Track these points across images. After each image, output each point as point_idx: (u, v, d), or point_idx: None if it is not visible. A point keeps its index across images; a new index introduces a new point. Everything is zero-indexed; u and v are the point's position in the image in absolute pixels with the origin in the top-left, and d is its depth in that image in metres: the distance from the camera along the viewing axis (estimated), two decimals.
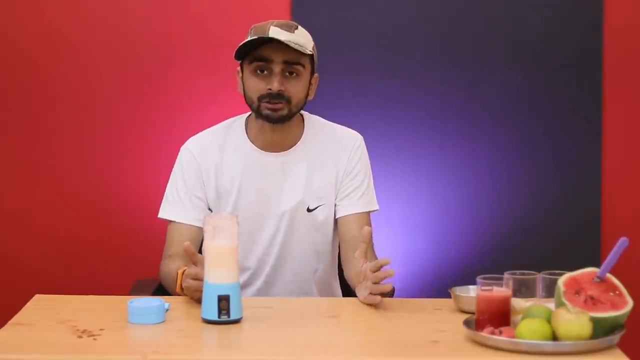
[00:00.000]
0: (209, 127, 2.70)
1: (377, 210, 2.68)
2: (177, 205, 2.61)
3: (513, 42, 3.58)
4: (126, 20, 3.55)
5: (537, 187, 3.61)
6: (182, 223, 2.60)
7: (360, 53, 3.57)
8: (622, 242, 2.02)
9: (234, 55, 2.53)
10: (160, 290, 2.66)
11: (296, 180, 2.61)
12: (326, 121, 2.70)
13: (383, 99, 3.57)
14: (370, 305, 2.32)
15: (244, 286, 2.64)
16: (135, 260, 3.52)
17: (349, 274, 2.59)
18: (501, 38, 3.58)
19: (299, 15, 3.40)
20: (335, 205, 2.65)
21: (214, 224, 2.14)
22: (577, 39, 3.58)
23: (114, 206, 3.58)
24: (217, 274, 2.13)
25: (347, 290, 2.71)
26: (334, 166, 2.64)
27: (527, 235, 3.61)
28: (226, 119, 2.70)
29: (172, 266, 2.47)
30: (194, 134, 2.72)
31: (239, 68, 2.59)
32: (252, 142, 2.62)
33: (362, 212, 2.64)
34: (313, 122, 2.67)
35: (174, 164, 2.67)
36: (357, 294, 2.38)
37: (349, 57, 3.56)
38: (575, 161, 3.60)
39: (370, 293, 2.27)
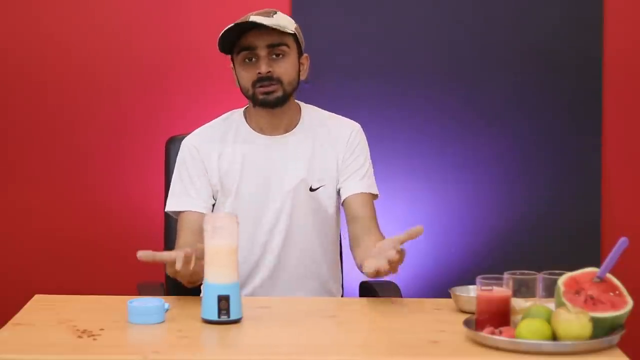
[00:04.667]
0: None
1: (378, 195, 2.71)
2: (182, 196, 2.64)
3: (513, 42, 3.58)
4: (128, 22, 3.55)
5: (537, 187, 3.61)
6: (189, 211, 2.62)
7: (360, 53, 3.57)
8: (622, 242, 2.02)
9: (217, 46, 2.60)
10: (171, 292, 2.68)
11: (298, 160, 2.65)
12: (322, 110, 2.75)
13: (382, 100, 3.57)
14: (370, 305, 2.33)
15: (251, 272, 2.65)
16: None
17: (359, 254, 2.57)
18: (501, 38, 3.58)
19: (299, 16, 3.39)
20: (339, 190, 2.68)
21: (214, 223, 2.15)
22: (577, 39, 3.58)
23: (117, 207, 3.57)
24: (217, 274, 2.13)
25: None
26: (333, 150, 2.68)
27: (527, 236, 3.61)
28: None
29: None
30: None
31: (231, 65, 2.66)
32: (253, 128, 2.67)
33: (365, 193, 2.67)
34: (309, 109, 2.73)
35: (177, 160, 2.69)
36: (366, 265, 2.27)
37: (349, 57, 3.56)
38: (575, 161, 3.60)
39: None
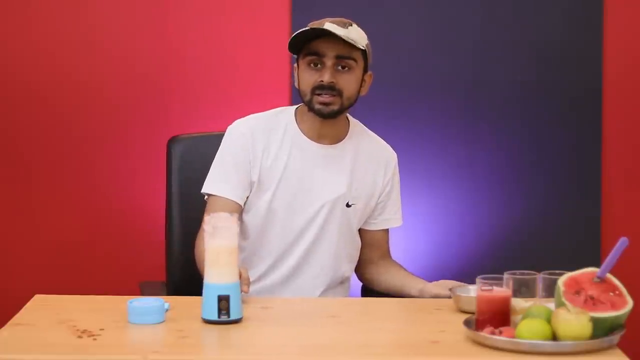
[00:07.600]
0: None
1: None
2: (221, 181, 2.60)
3: (513, 42, 3.58)
4: (130, 23, 3.55)
5: (537, 187, 3.61)
6: (223, 197, 2.59)
7: None
8: (622, 242, 2.02)
9: (287, 47, 2.57)
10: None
11: (340, 175, 2.65)
12: (364, 126, 2.76)
13: (382, 100, 3.57)
14: (370, 305, 2.34)
15: (272, 267, 2.65)
16: (142, 261, 3.52)
17: (371, 275, 2.74)
18: (501, 38, 3.58)
19: (299, 16, 3.40)
20: (370, 218, 2.72)
21: (214, 224, 2.15)
22: (578, 38, 3.58)
23: (119, 207, 3.57)
24: (217, 274, 2.13)
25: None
26: (371, 171, 2.70)
27: (527, 236, 3.61)
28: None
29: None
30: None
31: (295, 64, 2.63)
32: (301, 131, 2.65)
33: (395, 227, 2.78)
34: (355, 124, 2.73)
35: (222, 141, 2.65)
36: (424, 291, 2.52)
37: None
38: (575, 161, 3.60)
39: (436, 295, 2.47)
